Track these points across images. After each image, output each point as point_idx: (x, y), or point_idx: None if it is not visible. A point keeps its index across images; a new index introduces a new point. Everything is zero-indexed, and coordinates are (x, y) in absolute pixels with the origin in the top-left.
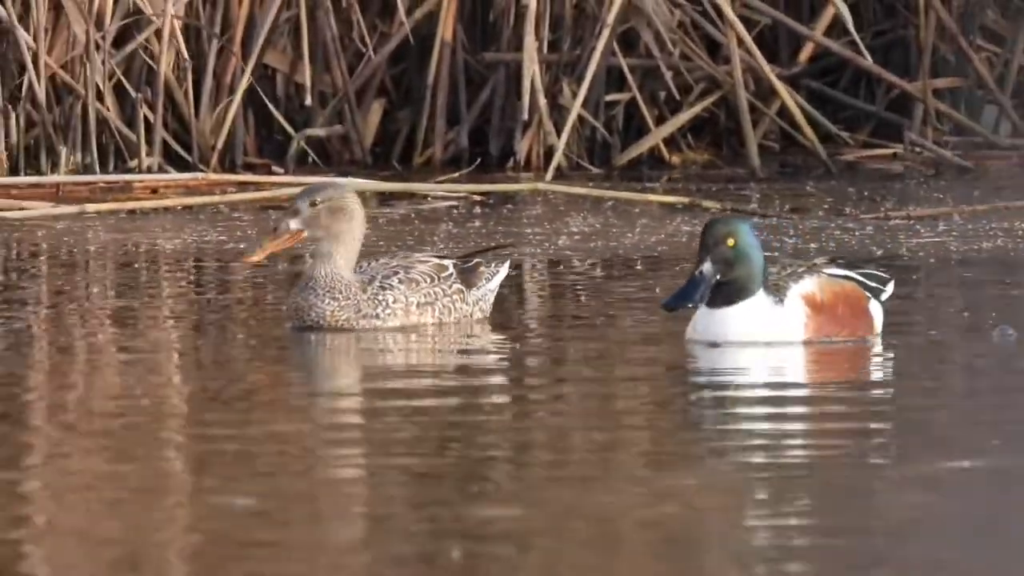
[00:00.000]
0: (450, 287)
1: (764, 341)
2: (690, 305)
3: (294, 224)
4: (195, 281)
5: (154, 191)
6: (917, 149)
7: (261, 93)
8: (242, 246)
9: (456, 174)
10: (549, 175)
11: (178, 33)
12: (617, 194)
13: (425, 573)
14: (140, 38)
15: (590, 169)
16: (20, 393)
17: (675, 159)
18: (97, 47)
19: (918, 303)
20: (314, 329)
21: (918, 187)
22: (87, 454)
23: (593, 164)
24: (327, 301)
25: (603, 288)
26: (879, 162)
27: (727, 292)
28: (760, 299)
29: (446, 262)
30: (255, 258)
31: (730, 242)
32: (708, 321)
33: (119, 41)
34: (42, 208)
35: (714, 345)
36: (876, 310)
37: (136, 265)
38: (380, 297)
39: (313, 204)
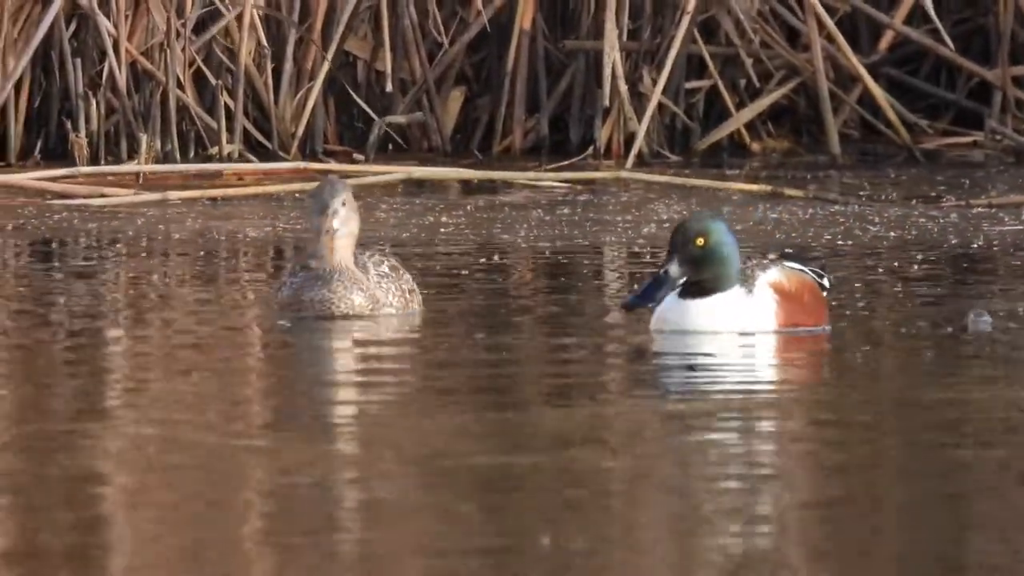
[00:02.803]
0: (407, 277)
1: (735, 331)
2: (650, 306)
3: (337, 224)
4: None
5: (258, 179)
6: (997, 137)
7: (343, 81)
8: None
9: (566, 162)
10: (629, 162)
11: (258, 20)
12: (699, 182)
13: None
14: (220, 25)
15: (670, 157)
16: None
17: (755, 146)
18: (177, 34)
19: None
20: (331, 319)
21: (999, 175)
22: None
23: (673, 151)
24: (355, 292)
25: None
26: (959, 150)
27: (699, 287)
28: (733, 292)
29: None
30: (335, 261)
31: (699, 241)
32: (680, 311)
33: (199, 28)
34: (124, 195)
35: (684, 334)
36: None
37: (246, 252)
38: (384, 286)
39: (344, 204)
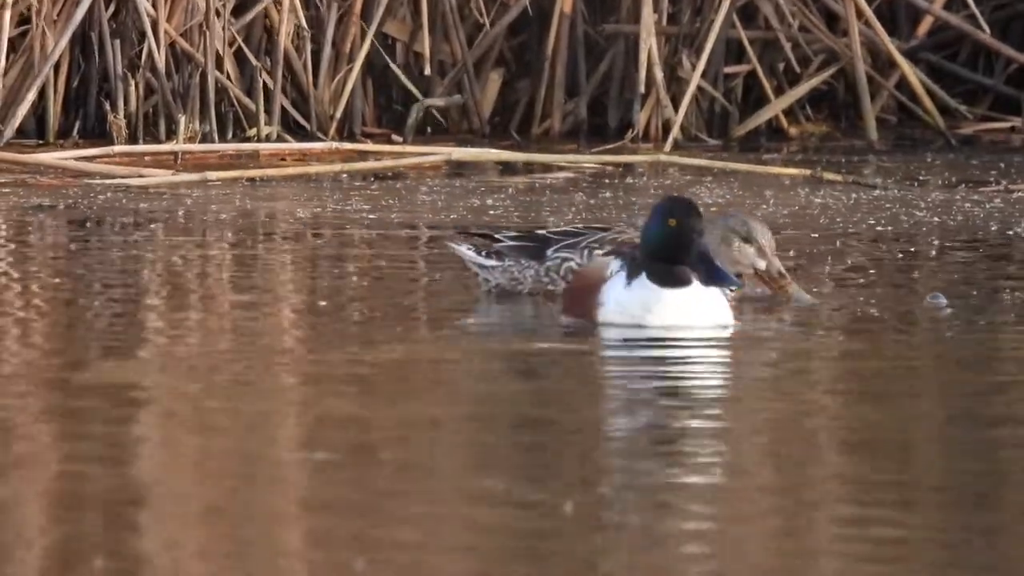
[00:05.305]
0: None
1: (706, 325)
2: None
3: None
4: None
5: (300, 159)
6: None
7: (385, 59)
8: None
9: (612, 145)
10: (667, 147)
11: (297, 1)
12: (737, 165)
13: None
14: (260, 6)
15: (708, 141)
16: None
17: (793, 131)
18: (217, 15)
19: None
20: None
21: None
22: None
23: (711, 136)
24: None
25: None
26: (997, 135)
27: (677, 274)
28: (698, 285)
29: None
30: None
31: (671, 223)
32: (667, 302)
33: (239, 9)
34: (163, 175)
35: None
36: None
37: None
38: None
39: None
